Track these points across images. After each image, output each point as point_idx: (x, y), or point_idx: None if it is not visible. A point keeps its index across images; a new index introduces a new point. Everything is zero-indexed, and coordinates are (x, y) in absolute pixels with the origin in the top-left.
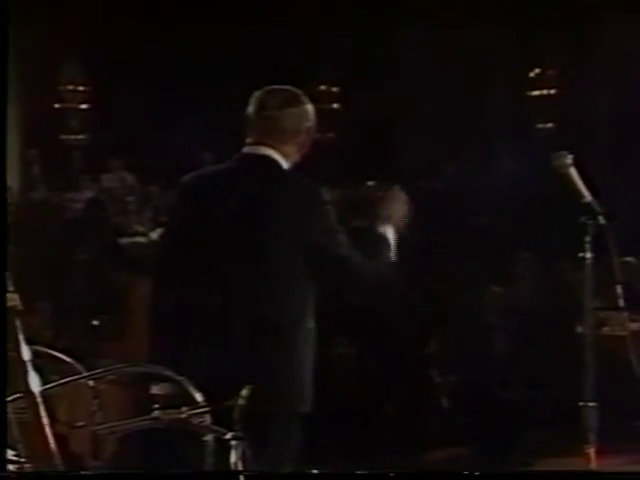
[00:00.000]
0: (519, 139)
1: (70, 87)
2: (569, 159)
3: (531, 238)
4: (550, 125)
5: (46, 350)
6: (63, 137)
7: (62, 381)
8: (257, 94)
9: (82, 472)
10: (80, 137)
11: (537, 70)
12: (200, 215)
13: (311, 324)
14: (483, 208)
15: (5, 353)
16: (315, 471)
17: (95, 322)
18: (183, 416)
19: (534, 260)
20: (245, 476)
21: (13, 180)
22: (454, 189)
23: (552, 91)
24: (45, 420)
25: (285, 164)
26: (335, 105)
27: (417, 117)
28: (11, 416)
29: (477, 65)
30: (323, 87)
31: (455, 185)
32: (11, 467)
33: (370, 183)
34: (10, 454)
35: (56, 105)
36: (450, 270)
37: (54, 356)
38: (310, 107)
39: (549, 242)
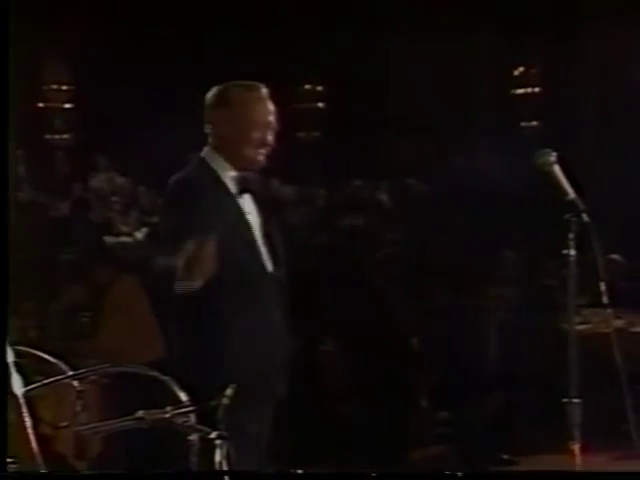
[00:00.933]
0: (504, 137)
1: (54, 86)
2: (553, 157)
3: (515, 236)
4: (534, 123)
5: (30, 350)
6: (48, 137)
7: (45, 381)
8: None
9: (81, 472)
10: (65, 137)
11: (521, 68)
12: None
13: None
14: (467, 206)
15: (5, 354)
16: (300, 471)
17: (79, 321)
18: (167, 416)
19: (518, 258)
20: (230, 475)
21: None
22: (438, 187)
23: (536, 89)
24: (28, 421)
25: (220, 159)
26: (320, 104)
27: (402, 116)
28: None
29: (462, 64)
30: (308, 86)
31: (439, 183)
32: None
33: (357, 182)
34: None
35: (41, 104)
36: (434, 269)
37: (38, 356)
38: (225, 92)
39: (533, 240)
